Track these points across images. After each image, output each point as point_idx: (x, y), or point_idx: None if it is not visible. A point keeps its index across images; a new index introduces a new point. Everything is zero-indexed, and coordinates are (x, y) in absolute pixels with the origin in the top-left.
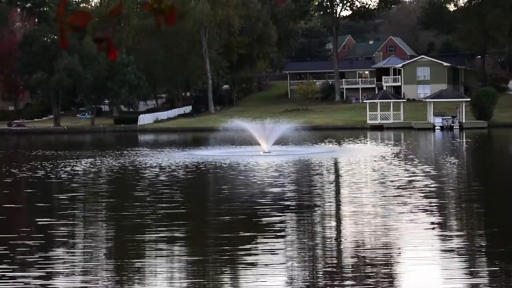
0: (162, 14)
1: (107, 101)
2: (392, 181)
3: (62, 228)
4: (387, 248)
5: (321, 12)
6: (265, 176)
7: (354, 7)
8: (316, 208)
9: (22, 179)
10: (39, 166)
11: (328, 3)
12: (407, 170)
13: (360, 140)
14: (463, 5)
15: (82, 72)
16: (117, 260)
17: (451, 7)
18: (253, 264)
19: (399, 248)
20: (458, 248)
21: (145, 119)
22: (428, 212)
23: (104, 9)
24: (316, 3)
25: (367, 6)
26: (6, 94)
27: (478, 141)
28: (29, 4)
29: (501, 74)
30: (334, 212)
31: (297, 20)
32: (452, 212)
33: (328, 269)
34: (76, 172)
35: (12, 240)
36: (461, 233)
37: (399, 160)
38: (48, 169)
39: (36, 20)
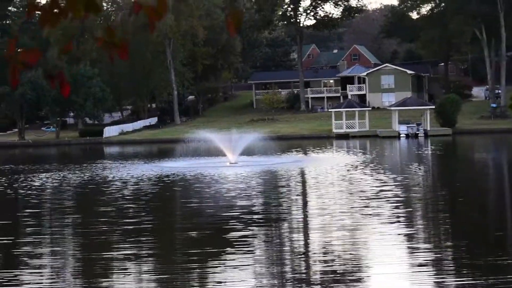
0: (115, 48)
1: (72, 114)
2: (360, 191)
3: (26, 247)
4: (355, 262)
5: (285, 22)
6: (232, 188)
7: (317, 17)
8: (284, 221)
9: None
10: (1, 181)
11: (292, 13)
12: (375, 179)
13: (326, 149)
14: (425, 13)
15: (46, 85)
16: (84, 280)
17: (414, 15)
18: (222, 282)
19: (368, 262)
20: (426, 261)
21: (110, 132)
22: (397, 224)
23: (68, 21)
24: (280, 13)
25: (330, 16)
26: None
27: (443, 148)
28: None
29: (464, 81)
30: (302, 225)
31: (261, 30)
32: (421, 223)
33: (297, 285)
34: (39, 187)
35: None
36: (429, 245)
37: (366, 169)
38: (11, 184)
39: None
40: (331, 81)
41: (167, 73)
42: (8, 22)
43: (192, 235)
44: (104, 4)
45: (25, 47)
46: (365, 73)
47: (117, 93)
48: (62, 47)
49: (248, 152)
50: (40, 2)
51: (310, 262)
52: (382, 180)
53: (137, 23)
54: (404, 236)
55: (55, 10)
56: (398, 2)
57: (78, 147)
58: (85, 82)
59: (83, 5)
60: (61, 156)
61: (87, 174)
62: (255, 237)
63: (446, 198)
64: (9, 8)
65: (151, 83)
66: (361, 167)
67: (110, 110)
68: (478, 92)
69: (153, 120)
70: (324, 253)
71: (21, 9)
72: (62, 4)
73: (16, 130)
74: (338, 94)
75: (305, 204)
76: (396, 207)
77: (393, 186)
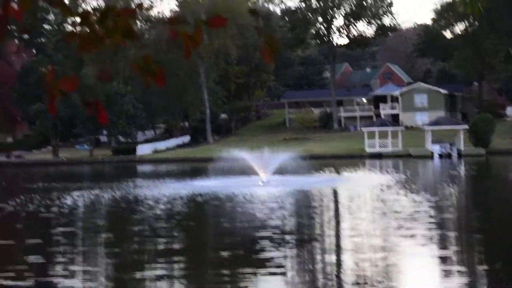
0: (151, 74)
1: (105, 132)
2: (394, 212)
3: (57, 267)
4: (388, 285)
5: (318, 41)
6: (264, 207)
7: (350, 35)
8: (317, 242)
9: (14, 213)
10: (34, 199)
11: (325, 31)
12: (409, 199)
13: (359, 168)
14: (459, 32)
15: (80, 103)
16: None
17: (448, 34)
18: None
19: (401, 285)
20: (459, 285)
21: (143, 150)
22: (431, 245)
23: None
24: (313, 32)
25: (363, 34)
26: (4, 126)
27: (477, 168)
28: (27, 36)
29: (498, 100)
30: (335, 246)
31: (294, 48)
32: (455, 245)
33: None
34: (71, 205)
35: (2, 281)
36: (463, 268)
37: (399, 189)
38: (43, 202)
39: (34, 51)
40: (364, 100)
41: (200, 92)
42: (43, 40)
43: (224, 255)
44: (138, 22)
45: (59, 65)
46: (398, 92)
47: (150, 110)
48: (99, 75)
49: (280, 171)
50: (76, 22)
51: (342, 284)
52: (415, 200)
53: (171, 42)
54: (438, 258)
55: (93, 37)
56: (432, 21)
57: (111, 165)
58: (118, 99)
59: (120, 33)
60: (94, 174)
61: (119, 192)
62: (287, 258)
63: (480, 219)
64: (44, 25)
65: (184, 101)
66: (395, 187)
67: (143, 128)
68: None
69: (186, 139)
70: (357, 275)
71: (56, 27)
72: (100, 31)
73: (50, 147)
74: (371, 113)
75: (337, 224)
76: (430, 229)
77: (427, 207)
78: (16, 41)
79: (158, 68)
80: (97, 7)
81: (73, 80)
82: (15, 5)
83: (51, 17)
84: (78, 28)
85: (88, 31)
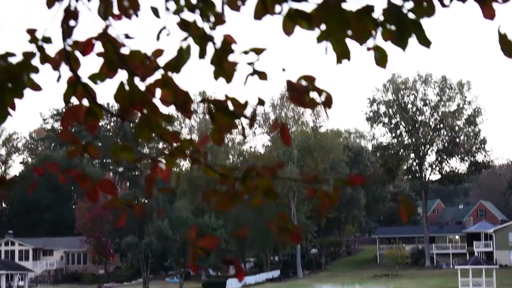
0: (287, 232)
1: None
2: None
3: None
4: None
5: (410, 176)
6: None
7: (443, 172)
8: None
9: None
10: None
11: (417, 167)
12: None
13: None
14: None
15: (172, 235)
16: None
17: None
18: None
19: None
20: None
21: (233, 283)
22: None
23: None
24: (405, 168)
25: (456, 171)
26: (97, 258)
27: None
28: (121, 168)
29: None
30: None
31: (386, 184)
32: None
33: None
34: None
35: None
36: None
37: None
38: None
39: (128, 184)
40: (457, 237)
41: None
42: (137, 173)
43: None
44: (232, 157)
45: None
46: (492, 230)
47: (241, 244)
48: (235, 234)
49: None
50: (215, 179)
51: None
52: None
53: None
54: None
55: (232, 195)
56: None
57: None
58: (210, 233)
59: (261, 192)
60: None
61: None
62: None
63: None
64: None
65: (274, 235)
66: None
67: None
68: None
69: (276, 273)
70: None
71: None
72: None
73: (141, 280)
74: (464, 251)
75: None
76: None
77: None
78: (111, 174)
79: (294, 226)
80: (236, 164)
81: (214, 239)
82: (162, 166)
83: (145, 150)
84: (218, 186)
85: (228, 188)
